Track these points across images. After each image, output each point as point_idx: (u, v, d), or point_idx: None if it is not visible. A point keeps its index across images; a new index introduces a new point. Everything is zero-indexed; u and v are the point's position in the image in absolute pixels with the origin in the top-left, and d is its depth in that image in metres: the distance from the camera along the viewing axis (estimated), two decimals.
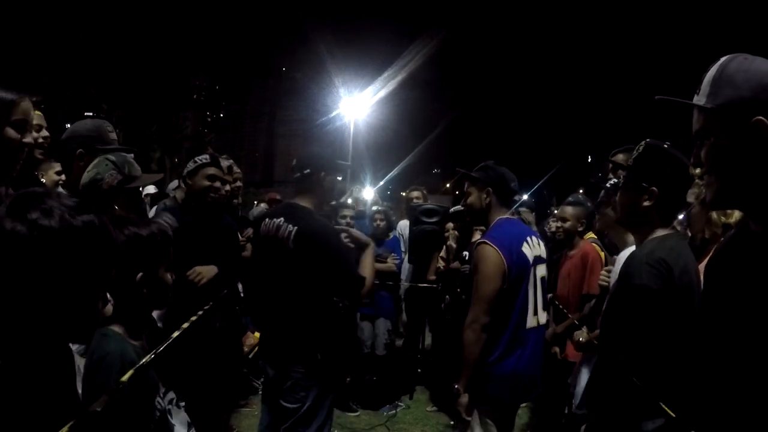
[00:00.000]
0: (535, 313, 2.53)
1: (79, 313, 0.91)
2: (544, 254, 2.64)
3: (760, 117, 1.02)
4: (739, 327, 1.05)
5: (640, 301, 1.59)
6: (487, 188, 2.61)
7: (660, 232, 1.75)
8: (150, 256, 1.54)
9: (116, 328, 1.52)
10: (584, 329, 2.60)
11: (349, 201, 5.99)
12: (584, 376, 2.54)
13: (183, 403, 1.67)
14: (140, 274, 1.51)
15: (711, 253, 1.29)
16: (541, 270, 2.61)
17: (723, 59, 1.11)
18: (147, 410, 1.49)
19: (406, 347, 5.38)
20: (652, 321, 1.57)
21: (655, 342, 1.55)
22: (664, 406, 1.45)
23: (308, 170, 2.62)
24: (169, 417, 1.58)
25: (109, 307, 1.66)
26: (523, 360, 2.46)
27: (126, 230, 1.50)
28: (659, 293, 1.56)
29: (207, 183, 2.94)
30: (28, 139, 1.58)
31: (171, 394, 1.63)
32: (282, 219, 2.57)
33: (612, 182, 2.62)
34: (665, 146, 1.79)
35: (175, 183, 4.52)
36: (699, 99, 1.12)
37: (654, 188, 1.73)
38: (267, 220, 2.67)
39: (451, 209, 4.83)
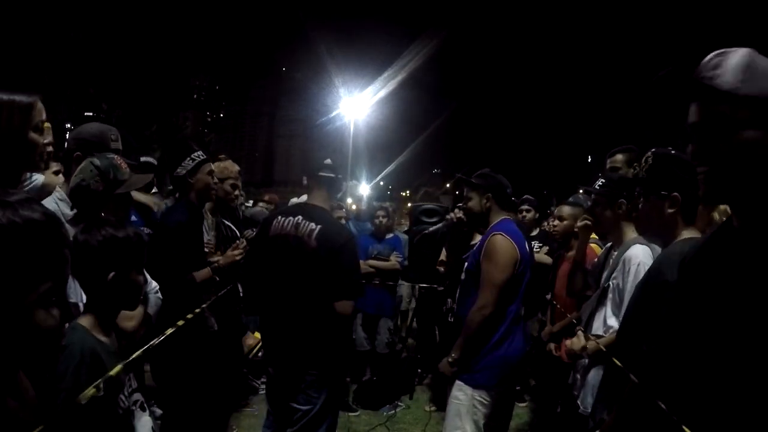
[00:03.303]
0: (522, 305, 2.81)
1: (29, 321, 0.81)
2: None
3: None
4: (714, 319, 1.06)
5: (671, 298, 1.60)
6: (487, 194, 2.82)
7: (686, 234, 1.80)
8: (123, 258, 1.57)
9: (83, 321, 1.55)
10: (582, 334, 2.58)
11: (349, 200, 6.00)
12: (593, 374, 2.51)
13: (160, 411, 1.67)
14: (112, 274, 1.54)
15: (691, 249, 1.29)
16: (529, 267, 2.83)
17: (741, 49, 1.06)
18: (108, 406, 1.48)
19: (415, 347, 5.39)
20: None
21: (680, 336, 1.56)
22: (656, 399, 1.45)
23: (335, 175, 2.68)
24: (131, 418, 1.58)
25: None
26: (512, 346, 2.69)
27: (103, 231, 1.55)
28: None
29: (210, 179, 2.97)
30: (47, 140, 1.63)
31: (137, 396, 1.64)
32: (300, 217, 2.58)
33: (600, 183, 2.64)
34: (673, 152, 1.84)
35: None
36: (723, 83, 1.04)
37: (676, 194, 1.78)
38: (280, 218, 2.66)
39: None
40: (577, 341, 2.53)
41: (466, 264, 2.90)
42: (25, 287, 0.80)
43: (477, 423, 2.62)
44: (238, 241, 3.08)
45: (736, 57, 1.05)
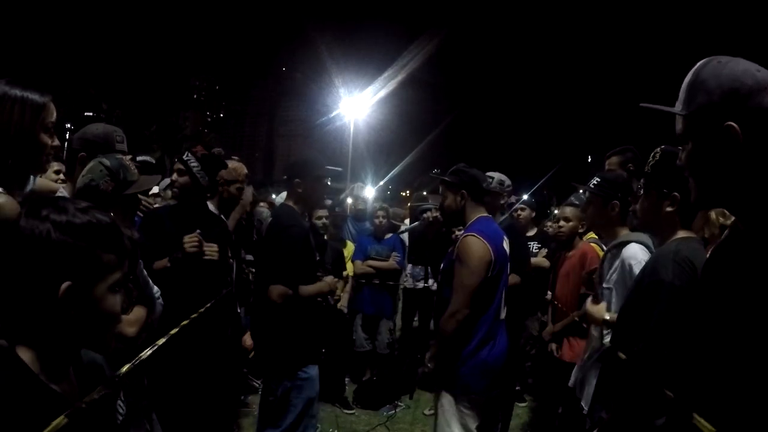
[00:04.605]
0: (504, 306, 2.70)
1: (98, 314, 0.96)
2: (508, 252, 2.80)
3: (731, 122, 1.05)
4: (726, 321, 1.08)
5: (664, 297, 1.61)
6: (461, 191, 2.73)
7: (681, 234, 1.80)
8: None
9: None
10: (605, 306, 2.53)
11: (349, 200, 6.00)
12: (596, 375, 2.50)
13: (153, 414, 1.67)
14: None
15: (709, 253, 1.32)
16: (507, 267, 2.76)
17: (698, 64, 1.13)
18: (109, 412, 1.48)
19: (410, 347, 5.38)
20: (675, 316, 1.59)
21: (674, 336, 1.57)
22: (665, 390, 1.46)
23: (286, 176, 2.99)
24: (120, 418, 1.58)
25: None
26: (494, 350, 2.59)
27: None
28: (684, 290, 1.59)
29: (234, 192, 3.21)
30: (56, 143, 1.60)
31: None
32: (272, 216, 3.02)
33: (593, 183, 2.64)
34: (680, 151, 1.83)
35: (166, 181, 4.42)
36: (677, 106, 1.16)
37: (676, 194, 1.78)
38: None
39: None
40: (601, 308, 2.26)
41: (442, 264, 2.81)
42: (100, 275, 0.95)
43: (466, 426, 2.55)
44: (194, 234, 2.65)
45: (687, 77, 1.14)
